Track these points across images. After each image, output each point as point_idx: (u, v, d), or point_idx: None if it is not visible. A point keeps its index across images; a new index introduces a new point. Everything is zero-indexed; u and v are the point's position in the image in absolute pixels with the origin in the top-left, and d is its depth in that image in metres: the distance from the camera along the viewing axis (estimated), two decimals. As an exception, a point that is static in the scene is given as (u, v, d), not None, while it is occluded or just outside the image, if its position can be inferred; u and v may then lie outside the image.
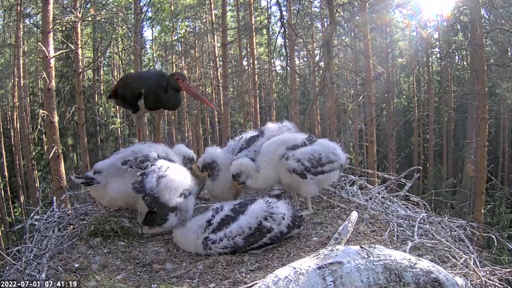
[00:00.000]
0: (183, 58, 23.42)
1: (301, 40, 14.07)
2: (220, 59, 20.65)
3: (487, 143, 11.39)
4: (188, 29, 25.55)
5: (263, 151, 3.63)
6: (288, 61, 9.66)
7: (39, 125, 12.06)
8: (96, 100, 21.42)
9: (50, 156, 8.99)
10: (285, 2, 17.63)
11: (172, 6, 22.01)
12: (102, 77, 24.37)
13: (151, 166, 3.26)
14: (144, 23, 21.04)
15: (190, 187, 3.39)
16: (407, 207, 3.88)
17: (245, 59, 24.37)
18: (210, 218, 3.14)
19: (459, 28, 18.08)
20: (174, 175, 3.27)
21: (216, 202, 3.98)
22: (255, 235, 3.01)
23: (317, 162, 3.49)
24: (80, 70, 12.02)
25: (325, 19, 21.27)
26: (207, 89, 26.64)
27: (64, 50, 14.21)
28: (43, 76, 8.88)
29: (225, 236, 3.02)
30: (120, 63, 18.31)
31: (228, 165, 3.73)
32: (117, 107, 18.47)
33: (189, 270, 2.89)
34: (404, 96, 28.62)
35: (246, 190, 4.07)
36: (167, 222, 3.40)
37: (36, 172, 19.31)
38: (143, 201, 3.17)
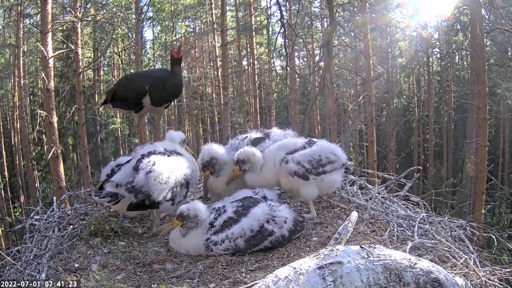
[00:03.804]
0: (183, 58, 23.39)
1: (301, 40, 14.05)
2: (220, 59, 20.65)
3: (487, 143, 11.38)
4: (188, 29, 25.55)
5: (265, 155, 3.65)
6: (288, 61, 9.66)
7: (38, 125, 12.07)
8: (96, 100, 21.40)
9: (49, 156, 8.99)
10: (285, 2, 17.65)
11: (172, 6, 22.01)
12: (102, 77, 24.36)
13: (141, 163, 3.28)
14: (144, 23, 21.05)
15: (185, 176, 3.44)
16: (407, 207, 3.88)
17: (245, 59, 24.37)
18: (212, 220, 3.14)
19: (459, 28, 18.05)
20: (162, 169, 3.28)
21: (218, 200, 3.98)
22: (256, 237, 3.02)
23: (317, 163, 3.51)
24: (80, 70, 11.98)
25: (325, 19, 21.27)
26: (207, 89, 26.63)
27: (64, 50, 14.20)
28: (42, 76, 8.89)
29: (227, 238, 3.02)
30: (120, 63, 18.30)
31: (231, 163, 3.74)
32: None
33: (189, 270, 2.90)
34: (404, 96, 28.60)
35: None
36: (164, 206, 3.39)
37: (36, 172, 19.31)
38: (135, 199, 3.19)
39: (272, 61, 18.46)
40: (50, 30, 9.10)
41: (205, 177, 3.80)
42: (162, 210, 3.48)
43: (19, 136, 19.81)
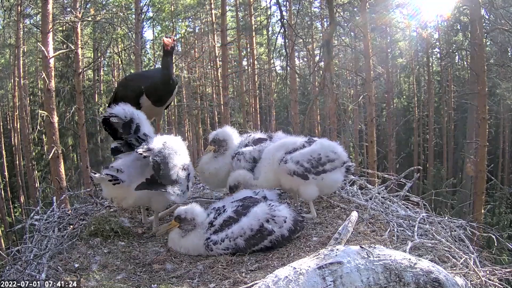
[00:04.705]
0: (183, 58, 23.48)
1: (301, 40, 14.05)
2: (220, 59, 20.65)
3: (487, 143, 11.38)
4: (188, 29, 25.53)
5: (264, 156, 3.66)
6: (288, 61, 9.65)
7: (38, 125, 12.08)
8: (96, 100, 21.41)
9: (50, 157, 8.99)
10: (285, 2, 17.66)
11: (172, 6, 22.01)
12: (102, 77, 24.37)
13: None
14: (145, 23, 21.05)
15: (189, 164, 3.52)
16: (407, 207, 3.88)
17: (245, 59, 24.37)
18: (212, 219, 3.14)
19: (459, 28, 18.08)
20: (176, 143, 3.46)
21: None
22: (256, 236, 3.02)
23: (317, 162, 3.49)
24: (80, 70, 11.99)
25: (325, 19, 21.25)
26: (207, 89, 26.63)
27: (64, 50, 14.20)
28: (42, 76, 8.89)
29: (227, 237, 3.02)
30: (120, 63, 18.31)
31: (229, 156, 3.91)
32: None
33: (189, 270, 2.90)
34: (404, 96, 28.59)
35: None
36: (171, 194, 3.30)
37: (36, 172, 19.31)
38: (151, 162, 3.19)
39: (272, 61, 18.48)
40: (51, 30, 9.10)
41: (206, 151, 4.02)
42: (170, 195, 3.31)
43: (19, 136, 19.80)
